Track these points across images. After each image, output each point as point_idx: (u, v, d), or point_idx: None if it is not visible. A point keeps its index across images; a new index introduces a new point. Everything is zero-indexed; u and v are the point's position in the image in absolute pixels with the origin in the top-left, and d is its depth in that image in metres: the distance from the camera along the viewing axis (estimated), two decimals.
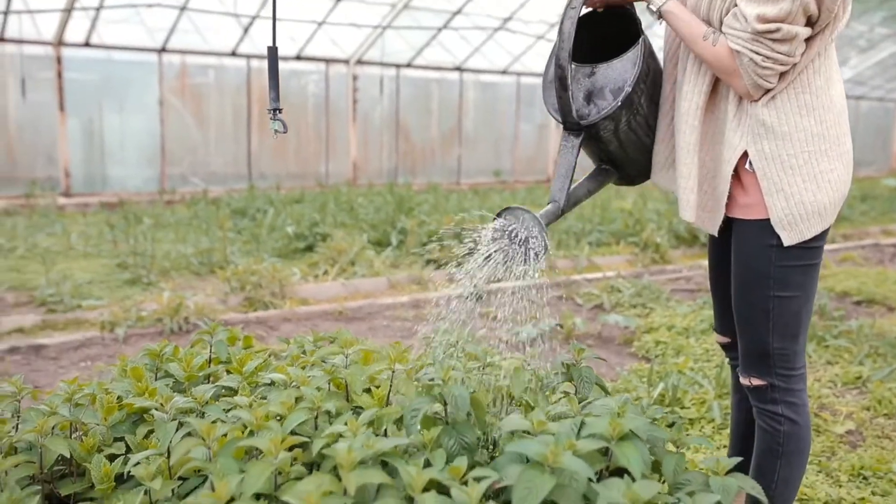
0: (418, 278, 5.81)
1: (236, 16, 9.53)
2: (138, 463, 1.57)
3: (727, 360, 2.29)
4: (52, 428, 1.78)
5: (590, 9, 1.95)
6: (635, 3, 1.92)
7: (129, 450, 1.78)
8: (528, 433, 1.47)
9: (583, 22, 1.95)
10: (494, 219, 1.90)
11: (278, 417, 1.65)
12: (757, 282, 1.86)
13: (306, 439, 1.51)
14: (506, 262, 1.90)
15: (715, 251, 2.10)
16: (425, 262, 6.21)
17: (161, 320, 4.41)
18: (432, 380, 1.70)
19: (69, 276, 5.32)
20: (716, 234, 1.94)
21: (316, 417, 1.68)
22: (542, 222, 1.84)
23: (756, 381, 1.93)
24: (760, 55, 1.68)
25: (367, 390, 1.80)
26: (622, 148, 1.98)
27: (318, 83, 11.24)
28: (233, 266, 5.50)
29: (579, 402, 1.85)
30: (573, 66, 1.92)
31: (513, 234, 1.88)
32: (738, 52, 1.71)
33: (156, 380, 2.12)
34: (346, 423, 1.49)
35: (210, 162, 10.53)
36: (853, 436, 3.25)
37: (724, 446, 2.96)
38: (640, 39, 1.86)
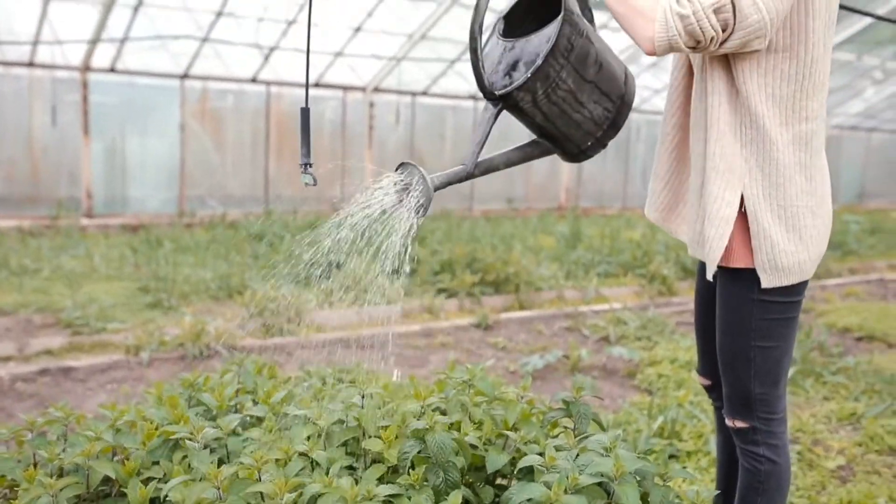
0: (430, 307, 5.99)
1: (258, 46, 9.80)
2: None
3: (711, 401, 2.42)
4: (98, 452, 1.96)
5: None
6: None
7: (165, 474, 1.95)
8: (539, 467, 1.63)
9: (524, 5, 2.08)
10: (396, 169, 2.00)
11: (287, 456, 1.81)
12: (740, 332, 1.99)
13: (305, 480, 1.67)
14: (385, 206, 1.95)
15: (703, 296, 2.24)
16: (437, 291, 6.39)
17: (183, 345, 4.60)
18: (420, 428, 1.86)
19: (94, 298, 5.52)
20: (710, 279, 2.01)
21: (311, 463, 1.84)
22: (428, 181, 1.93)
23: (739, 424, 2.07)
24: None
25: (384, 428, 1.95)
26: (549, 121, 2.02)
27: (335, 109, 11.49)
28: (251, 292, 5.70)
29: (577, 437, 2.02)
30: (501, 41, 2.04)
31: (400, 187, 1.96)
32: None
33: (189, 408, 2.30)
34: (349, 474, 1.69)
35: (227, 185, 10.77)
36: (844, 471, 3.39)
37: None
38: (560, 16, 1.92)
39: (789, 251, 1.89)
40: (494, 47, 2.07)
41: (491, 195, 12.97)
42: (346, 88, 11.46)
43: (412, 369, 4.61)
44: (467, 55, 9.75)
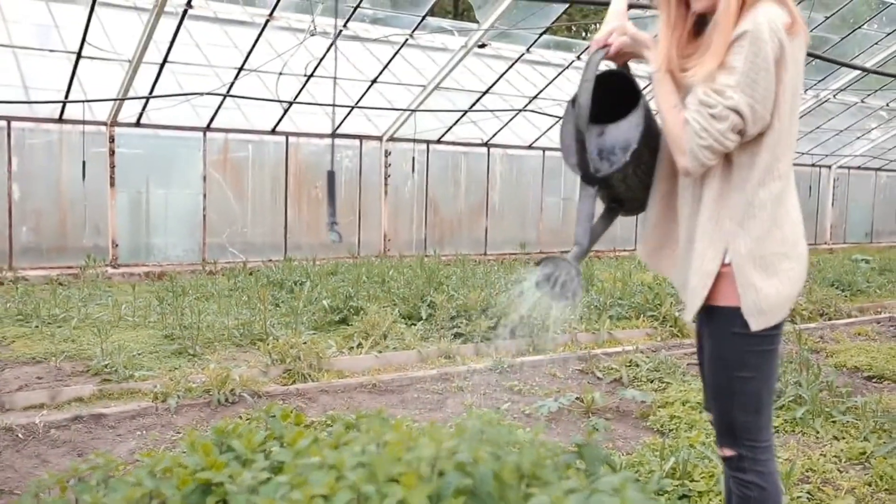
0: (447, 351, 6.14)
1: (278, 99, 10.10)
2: None
3: None
4: (138, 497, 2.11)
5: (604, 69, 2.29)
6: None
7: None
8: None
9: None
10: (537, 265, 2.24)
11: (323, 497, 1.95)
12: (723, 364, 2.21)
13: None
14: (550, 301, 2.20)
15: (699, 331, 2.43)
16: (453, 335, 6.54)
17: (209, 391, 4.76)
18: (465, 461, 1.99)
19: (122, 346, 5.71)
20: (690, 320, 2.28)
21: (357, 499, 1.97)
22: (577, 266, 2.19)
23: (728, 452, 2.25)
24: (699, 125, 2.03)
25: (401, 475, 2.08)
26: (630, 190, 2.32)
27: (351, 158, 11.76)
28: (273, 339, 5.88)
29: (588, 478, 2.15)
30: (593, 126, 2.28)
31: (553, 279, 2.19)
32: (686, 120, 2.06)
33: (220, 453, 2.45)
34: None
35: (247, 233, 11.03)
36: None
37: None
38: (641, 101, 2.21)
39: (771, 295, 2.11)
40: (567, 132, 2.31)
41: (504, 240, 13.16)
42: (362, 138, 11.74)
43: (430, 413, 4.75)
44: (481, 103, 9.94)
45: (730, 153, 2.10)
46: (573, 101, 2.29)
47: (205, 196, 10.58)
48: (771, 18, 2.02)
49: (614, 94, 2.28)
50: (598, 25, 2.52)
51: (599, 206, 2.41)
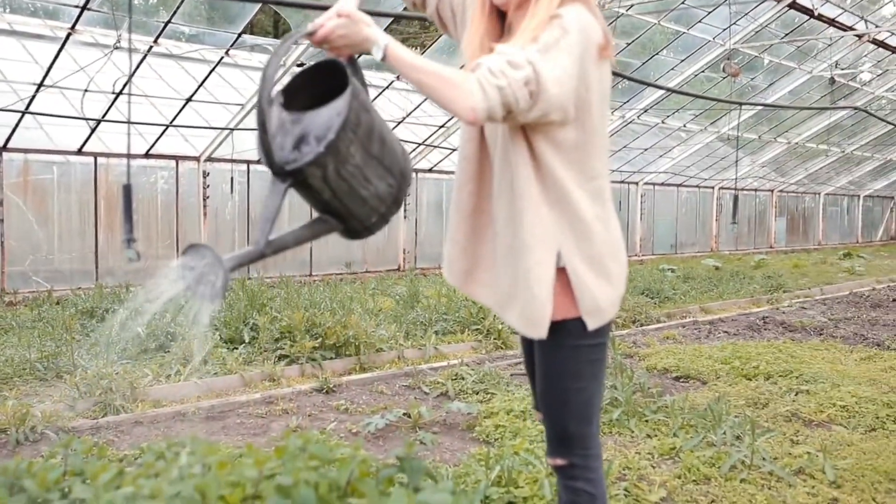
0: (271, 374, 5.96)
1: (84, 118, 9.53)
2: None
3: None
4: None
5: (298, 57, 2.14)
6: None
7: None
8: None
9: (311, 77, 2.06)
10: (184, 252, 1.89)
11: None
12: (556, 376, 2.19)
13: None
14: (185, 295, 1.85)
15: (527, 342, 2.40)
16: (278, 357, 6.36)
17: (5, 431, 4.36)
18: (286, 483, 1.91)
19: None
20: (544, 337, 2.11)
21: None
22: (227, 265, 1.83)
23: (560, 461, 2.25)
24: (493, 67, 1.88)
25: (223, 498, 1.97)
26: (336, 197, 1.99)
27: (167, 179, 11.27)
28: (81, 370, 5.48)
29: (412, 491, 2.12)
30: (286, 114, 1.98)
31: (196, 272, 1.84)
32: (477, 64, 1.90)
33: (11, 496, 2.22)
34: None
35: (55, 260, 10.28)
36: (666, 502, 3.65)
37: None
38: (349, 89, 1.93)
39: (605, 294, 2.12)
40: (275, 120, 1.98)
41: (329, 260, 13.03)
42: (178, 158, 11.29)
43: (253, 437, 4.58)
44: None
45: (537, 152, 2.05)
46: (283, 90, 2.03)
47: (2, 222, 9.77)
48: (583, 18, 2.00)
49: (339, 88, 2.01)
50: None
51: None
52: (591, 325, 2.11)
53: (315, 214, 2.11)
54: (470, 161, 2.26)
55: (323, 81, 2.04)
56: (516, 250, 2.12)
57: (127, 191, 2.21)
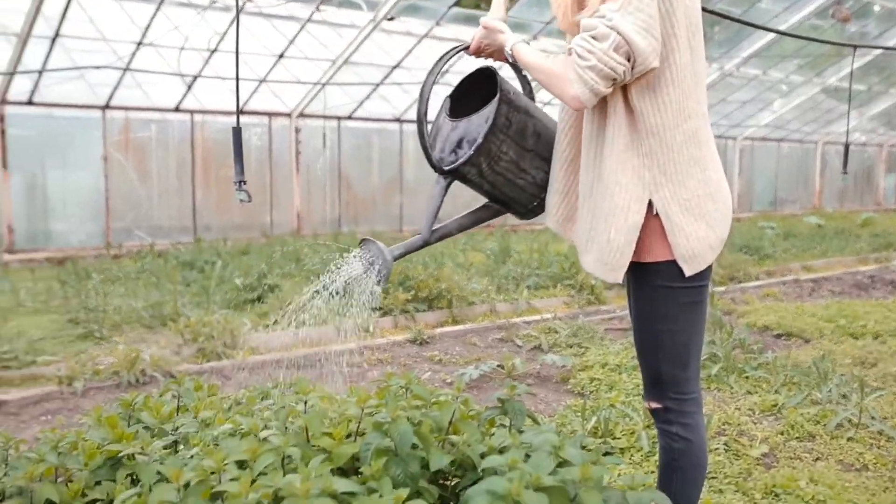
0: (365, 325, 6.03)
1: (180, 75, 9.75)
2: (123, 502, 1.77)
3: None
4: (41, 474, 1.97)
5: (454, 66, 2.29)
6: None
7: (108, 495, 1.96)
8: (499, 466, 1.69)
9: (468, 84, 2.34)
10: (359, 245, 2.26)
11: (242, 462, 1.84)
12: (651, 319, 2.16)
13: (271, 486, 1.70)
14: (353, 282, 2.23)
15: (630, 286, 2.40)
16: (371, 309, 6.44)
17: (118, 373, 4.55)
18: (384, 419, 1.92)
19: (22, 332, 5.41)
20: (620, 282, 2.16)
21: (282, 460, 1.88)
22: (387, 254, 2.19)
23: (654, 405, 2.23)
24: (582, 48, 1.90)
25: (328, 434, 2.00)
26: (495, 188, 2.28)
27: (261, 136, 11.47)
28: (185, 318, 5.66)
29: (513, 433, 2.10)
30: (448, 120, 2.29)
31: (369, 261, 2.22)
32: (570, 49, 1.96)
33: (128, 427, 2.31)
34: (306, 465, 1.72)
35: (154, 216, 10.64)
36: (768, 458, 3.56)
37: (653, 472, 3.24)
38: (497, 97, 2.17)
39: (701, 237, 2.06)
40: (444, 124, 2.30)
41: (419, 216, 13.09)
42: (271, 115, 11.47)
43: (353, 384, 4.65)
44: (391, 78, 9.90)
45: (630, 98, 2.02)
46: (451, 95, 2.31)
47: (107, 178, 10.15)
48: None
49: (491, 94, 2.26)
50: None
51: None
52: (689, 270, 2.07)
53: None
54: (567, 109, 2.24)
55: (491, 86, 2.26)
56: (598, 195, 2.11)
57: (237, 133, 2.26)
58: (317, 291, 2.26)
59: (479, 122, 2.19)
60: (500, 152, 2.19)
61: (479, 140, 2.14)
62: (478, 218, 2.39)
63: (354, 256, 2.24)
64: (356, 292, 2.24)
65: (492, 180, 2.24)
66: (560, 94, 1.99)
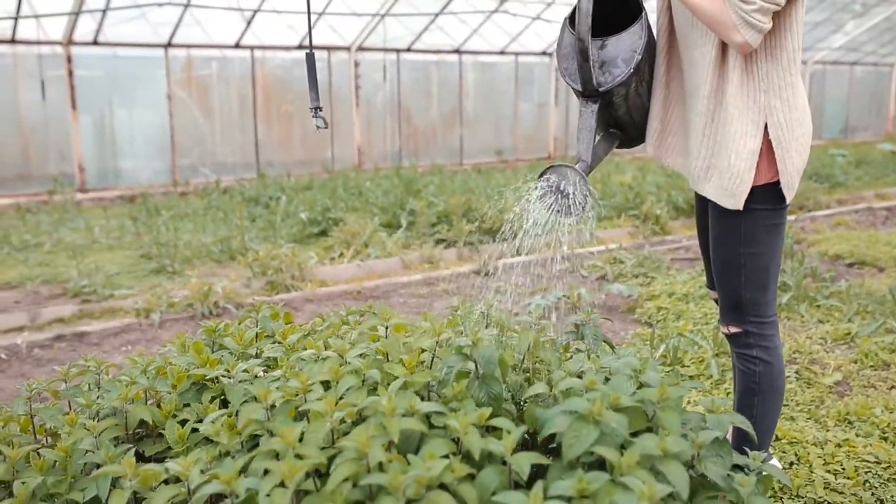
0: (430, 257, 6.09)
1: (239, 10, 9.75)
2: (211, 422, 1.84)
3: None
4: (132, 396, 2.06)
5: None
6: None
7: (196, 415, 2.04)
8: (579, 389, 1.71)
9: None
10: (540, 177, 2.16)
11: (324, 384, 1.89)
12: (731, 241, 2.14)
13: (355, 405, 1.75)
14: (557, 211, 2.16)
15: (702, 217, 2.37)
16: (435, 241, 6.48)
17: (192, 305, 4.69)
18: (464, 345, 1.95)
19: (99, 267, 5.59)
20: (741, 208, 2.10)
21: (363, 382, 1.93)
22: (583, 175, 2.10)
23: (733, 329, 2.22)
24: None
25: (402, 361, 2.03)
26: (629, 112, 2.24)
27: (320, 70, 11.39)
28: (253, 252, 5.78)
29: (591, 357, 2.11)
30: (592, 40, 2.14)
31: (559, 188, 2.13)
32: None
33: (213, 353, 2.39)
34: (387, 387, 1.76)
35: (218, 152, 10.78)
36: (841, 386, 3.52)
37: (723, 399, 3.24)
38: (643, 13, 2.11)
39: (798, 161, 2.08)
40: (567, 45, 2.19)
41: (479, 149, 13.02)
42: (330, 49, 11.42)
43: (418, 316, 4.72)
44: (449, 8, 9.65)
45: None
46: (571, 16, 2.17)
47: (171, 116, 10.29)
48: None
49: (612, 13, 2.19)
50: None
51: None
52: (789, 198, 2.08)
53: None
54: (662, 35, 2.23)
55: (605, 4, 2.19)
56: (718, 123, 2.09)
57: (310, 59, 2.25)
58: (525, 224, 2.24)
59: (629, 40, 2.11)
60: (645, 73, 2.16)
61: (638, 56, 2.09)
62: (610, 145, 2.33)
63: (544, 187, 2.16)
64: (568, 204, 2.16)
65: (631, 103, 2.21)
66: (725, 39, 1.98)
